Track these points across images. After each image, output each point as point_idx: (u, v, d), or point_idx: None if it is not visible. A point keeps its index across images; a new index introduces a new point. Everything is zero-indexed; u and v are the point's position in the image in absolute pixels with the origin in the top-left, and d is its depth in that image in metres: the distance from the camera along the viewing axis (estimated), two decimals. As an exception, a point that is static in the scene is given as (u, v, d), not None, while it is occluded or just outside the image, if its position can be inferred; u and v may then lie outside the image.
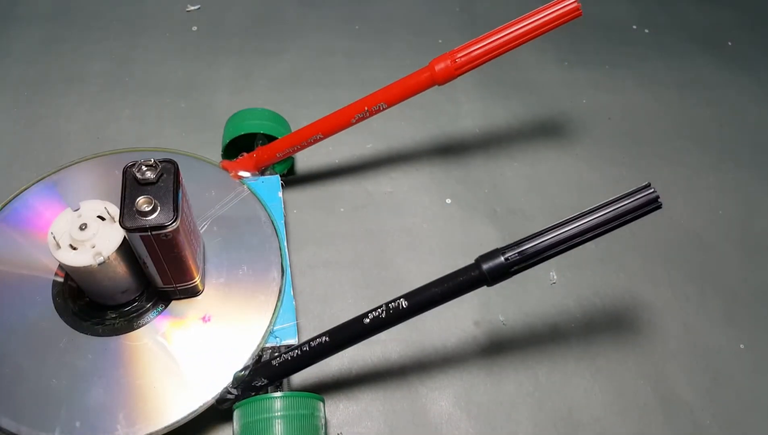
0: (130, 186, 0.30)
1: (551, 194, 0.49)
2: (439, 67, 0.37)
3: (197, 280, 0.35)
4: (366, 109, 0.39)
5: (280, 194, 0.41)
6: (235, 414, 0.32)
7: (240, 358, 0.34)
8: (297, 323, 0.36)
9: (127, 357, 0.33)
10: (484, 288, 0.29)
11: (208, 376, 0.33)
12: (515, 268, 0.28)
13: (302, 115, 0.50)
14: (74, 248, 0.31)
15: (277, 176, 0.42)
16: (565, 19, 0.36)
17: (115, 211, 0.32)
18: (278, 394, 0.32)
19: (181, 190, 0.31)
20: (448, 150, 0.52)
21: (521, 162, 0.51)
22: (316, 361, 0.32)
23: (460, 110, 0.54)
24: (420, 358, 0.41)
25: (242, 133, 0.43)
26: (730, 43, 0.62)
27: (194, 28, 0.58)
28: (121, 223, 0.29)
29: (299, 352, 0.32)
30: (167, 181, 0.31)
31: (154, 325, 0.35)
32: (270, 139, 0.44)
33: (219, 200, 0.40)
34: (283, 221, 0.40)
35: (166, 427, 0.32)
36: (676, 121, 0.55)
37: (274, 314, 0.36)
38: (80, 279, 0.33)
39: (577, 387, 0.40)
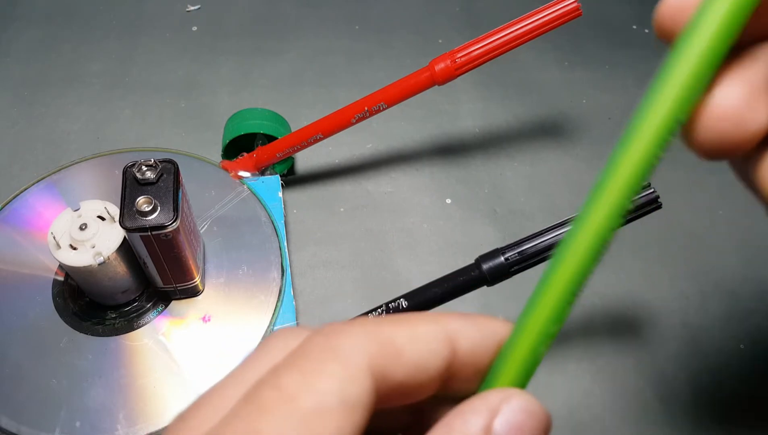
0: (130, 186, 0.30)
1: (551, 194, 0.49)
2: (439, 67, 0.37)
3: (197, 280, 0.35)
4: (366, 109, 0.39)
5: (280, 194, 0.41)
6: (235, 414, 0.32)
7: (240, 359, 0.34)
8: (297, 323, 0.36)
9: (127, 357, 0.33)
10: (484, 288, 0.29)
11: (208, 376, 0.33)
12: (515, 268, 0.28)
13: (302, 115, 0.50)
14: (74, 248, 0.31)
15: (277, 176, 0.42)
16: (565, 19, 0.36)
17: (115, 211, 0.32)
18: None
19: (181, 190, 0.31)
20: (448, 150, 0.52)
21: (521, 162, 0.51)
22: (316, 361, 0.32)
23: (460, 110, 0.54)
24: (420, 358, 0.41)
25: (242, 133, 0.43)
26: (730, 43, 0.62)
27: (194, 28, 0.58)
28: (121, 223, 0.29)
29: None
30: (167, 181, 0.31)
31: (154, 325, 0.35)
32: (270, 139, 0.44)
33: (219, 200, 0.40)
34: (283, 221, 0.40)
35: (166, 427, 0.32)
36: (676, 121, 0.55)
37: (274, 314, 0.36)
38: (80, 279, 0.33)
39: (577, 387, 0.40)
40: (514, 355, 0.15)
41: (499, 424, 0.13)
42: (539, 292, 0.15)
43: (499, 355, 0.15)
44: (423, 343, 0.14)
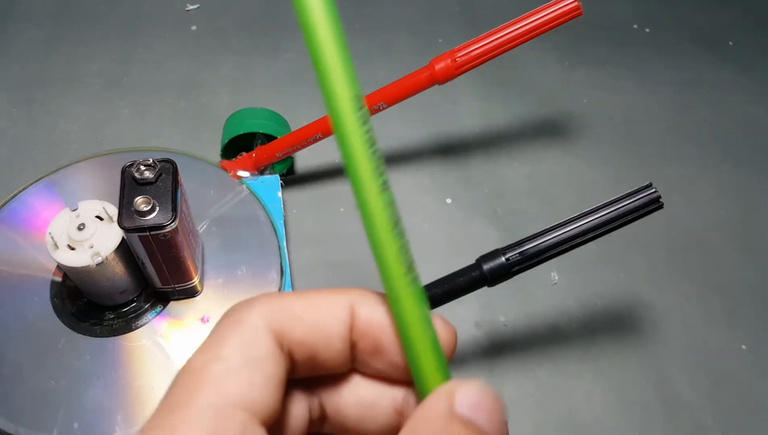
0: (129, 186, 0.30)
1: (552, 194, 0.49)
2: (440, 66, 0.37)
3: (196, 280, 0.35)
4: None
5: (280, 194, 0.41)
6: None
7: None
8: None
9: (126, 358, 0.33)
10: (485, 288, 0.29)
11: (206, 377, 0.33)
12: (516, 268, 0.28)
13: (302, 115, 0.49)
14: (72, 248, 0.31)
15: (277, 176, 0.42)
16: (565, 19, 0.36)
17: (114, 211, 0.31)
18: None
19: (179, 190, 0.31)
20: (448, 150, 0.52)
21: (522, 162, 0.51)
22: (315, 362, 0.32)
23: (460, 110, 0.54)
24: (420, 358, 0.41)
25: (241, 132, 0.43)
26: (730, 43, 0.62)
27: (193, 28, 0.58)
28: (120, 224, 0.29)
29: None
30: (166, 180, 0.31)
31: (153, 325, 0.34)
32: (269, 138, 0.44)
33: (218, 200, 0.40)
34: (282, 221, 0.40)
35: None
36: (676, 121, 0.55)
37: (273, 315, 0.35)
38: (78, 279, 0.33)
39: (578, 388, 0.40)
40: (420, 352, 0.16)
41: (459, 405, 0.15)
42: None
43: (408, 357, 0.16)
44: (321, 308, 0.16)
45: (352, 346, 0.16)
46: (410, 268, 0.16)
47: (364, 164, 0.15)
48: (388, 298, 0.16)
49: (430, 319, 0.16)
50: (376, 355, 0.16)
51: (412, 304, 0.15)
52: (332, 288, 0.17)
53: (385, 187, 0.15)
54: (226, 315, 0.16)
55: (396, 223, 0.16)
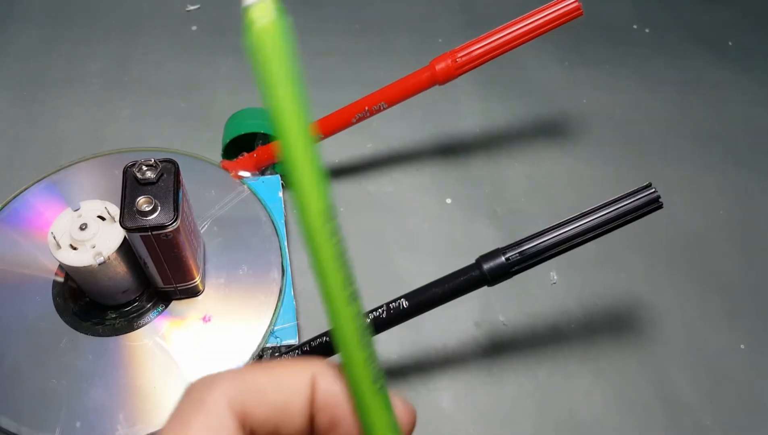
0: (131, 186, 0.30)
1: (552, 194, 0.49)
2: (440, 66, 0.37)
3: (197, 280, 0.35)
4: (366, 109, 0.39)
5: (281, 194, 0.41)
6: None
7: (240, 359, 0.34)
8: (297, 323, 0.36)
9: (127, 357, 0.33)
10: (485, 288, 0.29)
11: (208, 376, 0.33)
12: (516, 268, 0.28)
13: (302, 115, 0.49)
14: (74, 248, 0.31)
15: (278, 176, 0.42)
16: (565, 19, 0.36)
17: (116, 211, 0.32)
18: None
19: (181, 190, 0.31)
20: (449, 150, 0.52)
21: (522, 162, 0.51)
22: (316, 362, 0.32)
23: (461, 110, 0.54)
24: (420, 358, 0.41)
25: (242, 132, 0.43)
26: (731, 43, 0.62)
27: (194, 28, 0.58)
28: (122, 223, 0.29)
29: (299, 353, 0.32)
30: (167, 180, 0.31)
31: (154, 325, 0.34)
32: (270, 138, 0.44)
33: (219, 200, 0.40)
34: (283, 221, 0.40)
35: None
36: (676, 121, 0.55)
37: (274, 314, 0.36)
38: (80, 279, 0.33)
39: (577, 388, 0.40)
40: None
41: None
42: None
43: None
44: (284, 383, 0.16)
45: (311, 419, 0.16)
46: (377, 376, 0.16)
47: (332, 276, 0.15)
48: (355, 403, 0.16)
49: (395, 424, 0.16)
50: (333, 428, 0.16)
51: (378, 413, 0.16)
52: (294, 358, 0.17)
53: (353, 298, 0.16)
54: (189, 393, 0.16)
55: (363, 333, 0.16)
